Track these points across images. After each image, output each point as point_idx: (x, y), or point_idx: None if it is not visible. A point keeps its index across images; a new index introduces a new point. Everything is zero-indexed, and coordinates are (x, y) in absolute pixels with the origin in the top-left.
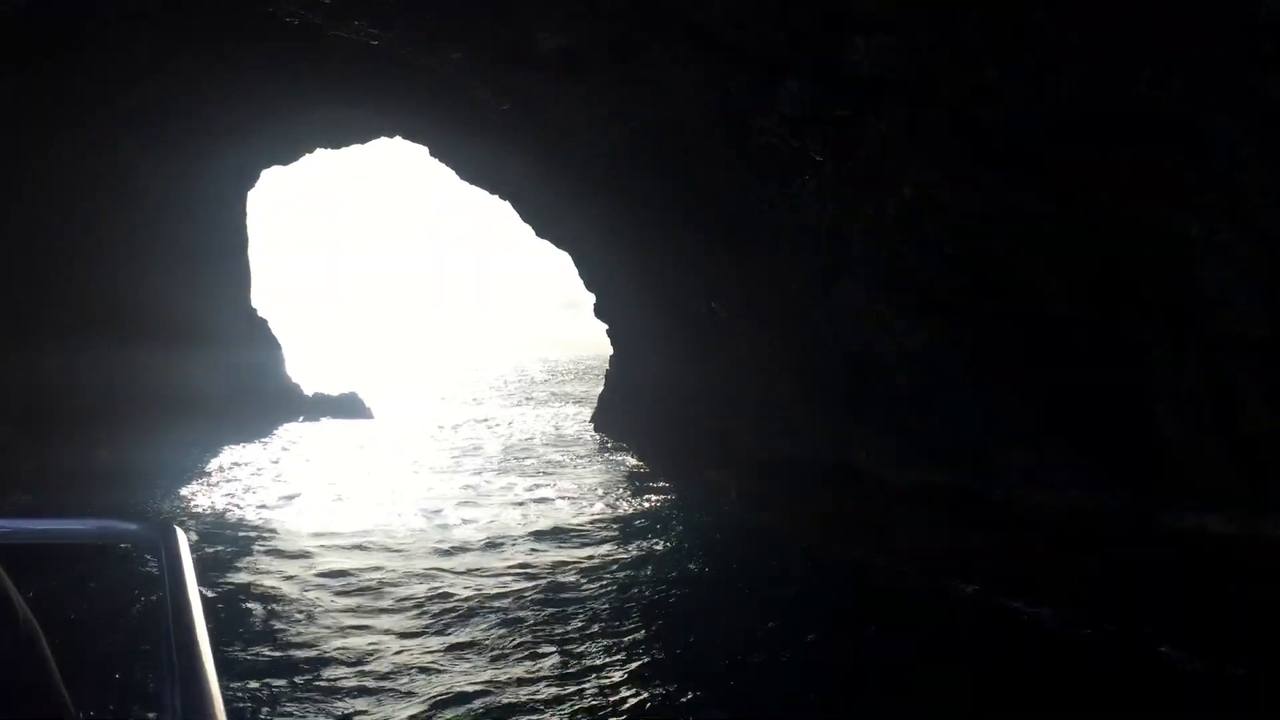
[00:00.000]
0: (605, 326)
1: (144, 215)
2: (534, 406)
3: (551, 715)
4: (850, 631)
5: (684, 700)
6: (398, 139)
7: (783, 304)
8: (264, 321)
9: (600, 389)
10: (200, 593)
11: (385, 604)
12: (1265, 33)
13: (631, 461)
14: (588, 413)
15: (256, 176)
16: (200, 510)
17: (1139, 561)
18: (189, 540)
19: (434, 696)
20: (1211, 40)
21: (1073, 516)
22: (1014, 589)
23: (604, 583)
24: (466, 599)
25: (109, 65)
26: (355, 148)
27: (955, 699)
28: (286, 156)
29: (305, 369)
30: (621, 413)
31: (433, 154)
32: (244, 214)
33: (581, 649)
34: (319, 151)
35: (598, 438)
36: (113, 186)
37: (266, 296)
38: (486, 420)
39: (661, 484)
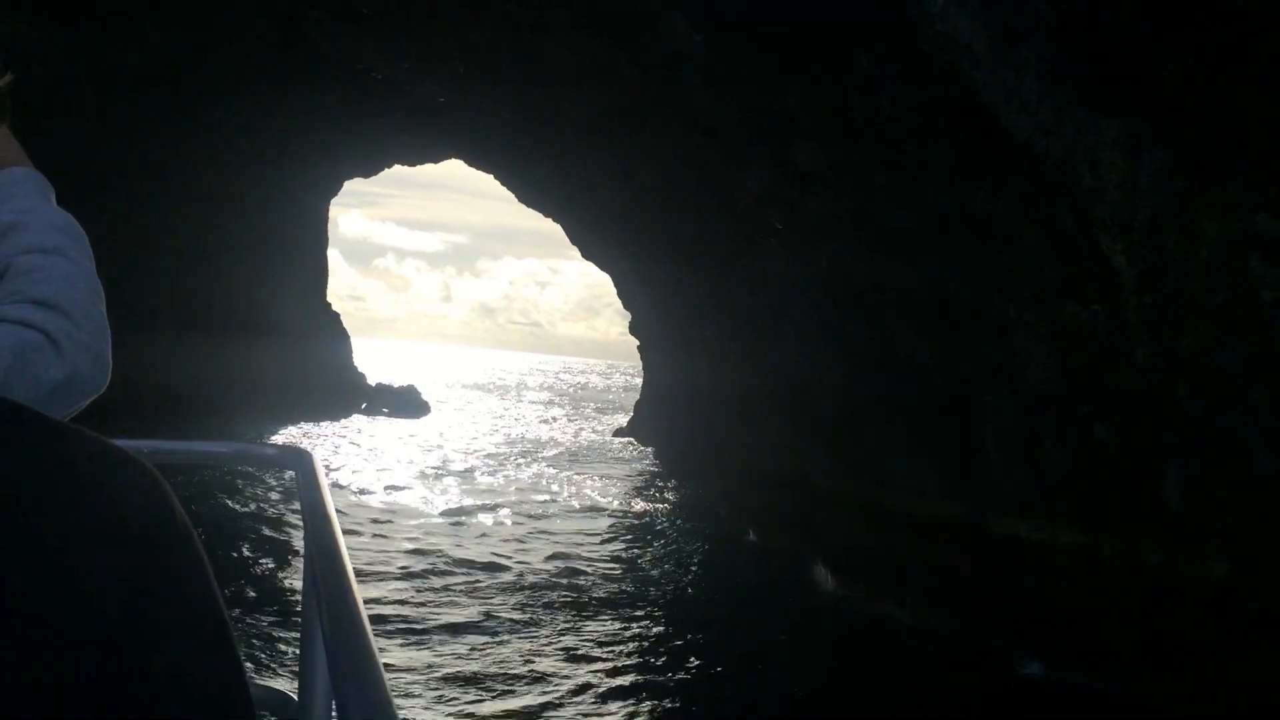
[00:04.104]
0: (637, 342)
1: (241, 220)
2: (581, 409)
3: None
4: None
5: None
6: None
7: (751, 338)
8: (336, 316)
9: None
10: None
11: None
12: (1053, 172)
13: (652, 464)
14: (626, 419)
15: (340, 185)
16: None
17: (975, 558)
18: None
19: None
20: (1027, 175)
21: (934, 521)
22: (890, 587)
23: (605, 538)
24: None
25: (220, 90)
26: (429, 165)
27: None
28: (369, 170)
29: (368, 359)
30: (649, 421)
31: (498, 178)
32: (326, 217)
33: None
34: (396, 166)
35: (629, 441)
36: (218, 193)
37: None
38: (537, 420)
39: (671, 483)
